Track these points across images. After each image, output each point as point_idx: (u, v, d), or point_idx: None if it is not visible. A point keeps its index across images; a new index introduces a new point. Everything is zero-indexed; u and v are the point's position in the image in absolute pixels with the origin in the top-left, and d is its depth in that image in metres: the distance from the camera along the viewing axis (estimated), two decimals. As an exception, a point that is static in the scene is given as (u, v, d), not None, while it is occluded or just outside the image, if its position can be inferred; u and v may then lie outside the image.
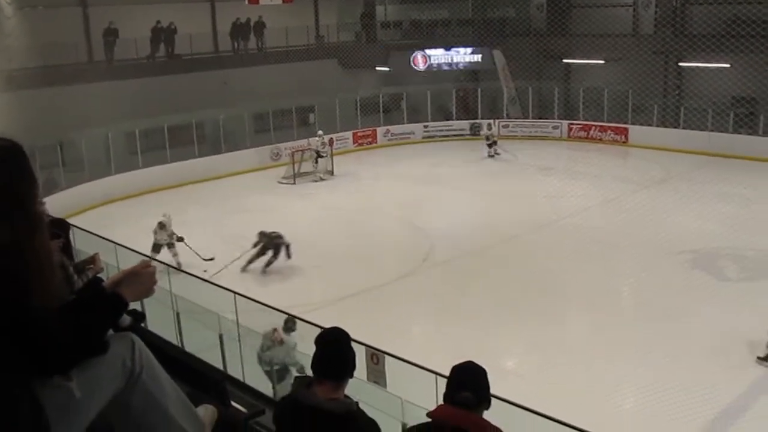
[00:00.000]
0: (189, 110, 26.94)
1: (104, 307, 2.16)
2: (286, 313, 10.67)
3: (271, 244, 17.39)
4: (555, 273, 16.85)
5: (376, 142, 32.81)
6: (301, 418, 3.18)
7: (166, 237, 17.78)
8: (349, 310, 14.85)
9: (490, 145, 29.34)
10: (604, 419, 9.22)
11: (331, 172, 27.19)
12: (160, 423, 2.36)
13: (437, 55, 34.00)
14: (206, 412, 2.73)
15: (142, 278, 2.30)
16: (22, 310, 1.95)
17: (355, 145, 32.11)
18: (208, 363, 6.50)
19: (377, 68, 33.40)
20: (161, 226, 17.77)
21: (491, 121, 30.97)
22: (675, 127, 29.63)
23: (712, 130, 28.11)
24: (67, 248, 6.87)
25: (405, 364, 8.48)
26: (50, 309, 2.04)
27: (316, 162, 26.76)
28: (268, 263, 17.42)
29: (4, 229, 1.99)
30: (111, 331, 2.27)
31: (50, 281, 2.09)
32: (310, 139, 27.50)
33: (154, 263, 2.37)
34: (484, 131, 30.17)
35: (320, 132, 27.18)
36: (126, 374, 2.25)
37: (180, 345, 10.99)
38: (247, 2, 24.42)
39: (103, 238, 13.18)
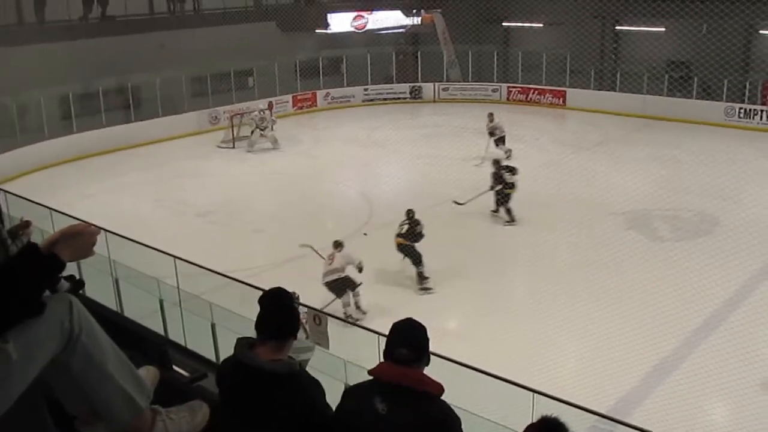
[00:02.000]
0: (124, 73, 26.36)
1: (40, 267, 2.11)
2: (227, 277, 10.61)
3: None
4: (494, 234, 17.07)
5: (316, 106, 32.60)
6: (245, 380, 3.17)
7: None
8: (290, 274, 14.84)
9: (497, 142, 22.94)
10: (545, 378, 9.41)
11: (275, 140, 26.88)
12: (100, 383, 2.33)
13: (377, 18, 33.70)
14: (147, 373, 2.72)
15: (80, 238, 2.25)
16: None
17: (295, 108, 31.87)
18: (148, 328, 6.46)
19: (316, 31, 33.05)
20: None
21: (492, 113, 23.76)
22: (612, 91, 30.08)
23: (647, 94, 28.61)
24: (-1, 213, 6.72)
25: (346, 325, 8.52)
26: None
27: (253, 133, 25.82)
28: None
29: None
30: (48, 293, 2.23)
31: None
32: (250, 114, 26.84)
33: (93, 226, 2.31)
34: (489, 124, 23.16)
35: (261, 107, 26.52)
36: (65, 335, 2.21)
37: (120, 311, 10.88)
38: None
39: (38, 203, 12.92)
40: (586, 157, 23.29)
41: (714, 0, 24.20)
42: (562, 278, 14.69)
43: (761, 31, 27.51)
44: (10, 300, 2.01)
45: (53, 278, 2.19)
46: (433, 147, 25.08)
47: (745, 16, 25.31)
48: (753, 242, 14.88)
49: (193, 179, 22.43)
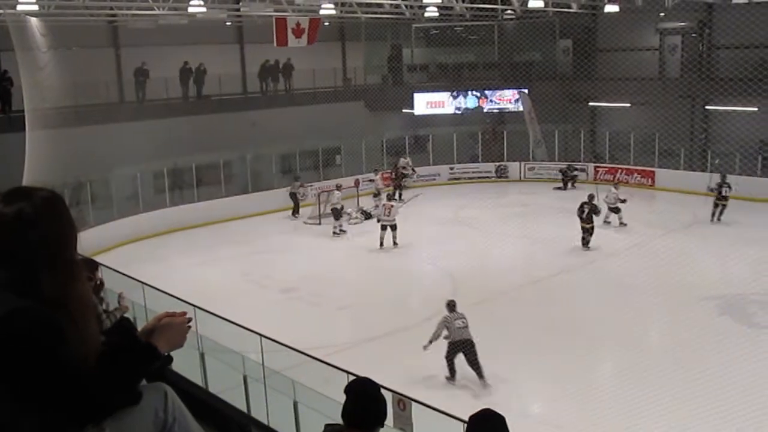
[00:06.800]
0: (217, 150, 27.22)
1: (138, 357, 2.18)
2: (311, 357, 10.64)
3: None
4: (581, 317, 16.68)
5: (402, 183, 32.88)
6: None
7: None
8: (373, 352, 14.80)
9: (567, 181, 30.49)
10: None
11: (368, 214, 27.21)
12: (190, 474, 2.35)
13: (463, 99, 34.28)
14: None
15: (175, 328, 2.32)
16: (59, 360, 1.96)
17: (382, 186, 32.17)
18: (233, 406, 6.54)
19: (403, 110, 33.62)
20: None
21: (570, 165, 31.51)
22: (702, 171, 29.43)
23: (739, 174, 27.90)
24: (97, 289, 7.00)
25: (430, 410, 8.41)
26: (86, 358, 2.05)
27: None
28: None
29: (47, 280, 2.02)
30: (144, 381, 2.28)
31: (88, 330, 2.11)
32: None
33: (188, 313, 2.37)
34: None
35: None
36: (158, 425, 2.25)
37: (204, 386, 11.01)
38: (275, 44, 24.82)
39: (131, 277, 13.28)
40: (675, 239, 22.75)
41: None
42: (651, 366, 14.18)
43: None
44: (110, 388, 2.06)
45: (150, 368, 2.24)
46: (518, 226, 24.88)
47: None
48: None
49: (279, 254, 22.78)
